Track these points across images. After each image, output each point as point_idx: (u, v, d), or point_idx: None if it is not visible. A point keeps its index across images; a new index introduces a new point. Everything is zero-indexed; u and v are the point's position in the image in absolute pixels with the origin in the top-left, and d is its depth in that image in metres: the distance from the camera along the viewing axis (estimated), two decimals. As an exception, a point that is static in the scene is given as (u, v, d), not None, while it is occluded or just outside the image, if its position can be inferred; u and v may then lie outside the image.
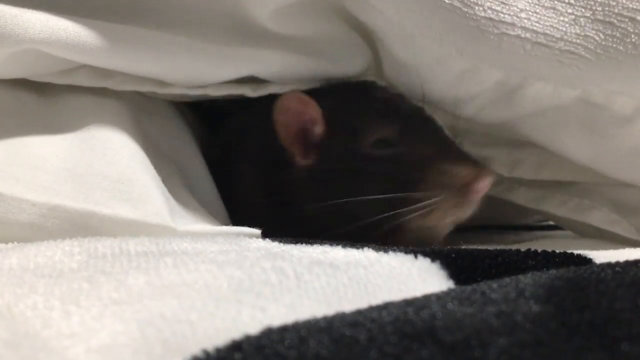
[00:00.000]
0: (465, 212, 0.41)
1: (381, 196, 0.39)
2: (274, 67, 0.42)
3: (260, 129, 0.45)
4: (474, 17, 0.36)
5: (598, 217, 0.47)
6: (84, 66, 0.38)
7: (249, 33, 0.41)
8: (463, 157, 0.41)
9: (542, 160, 0.48)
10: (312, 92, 0.43)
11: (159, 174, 0.35)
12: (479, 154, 0.49)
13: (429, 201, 0.39)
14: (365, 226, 0.39)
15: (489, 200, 0.43)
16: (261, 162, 0.44)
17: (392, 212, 0.39)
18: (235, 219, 0.38)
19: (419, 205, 0.39)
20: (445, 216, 0.40)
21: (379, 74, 0.48)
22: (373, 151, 0.41)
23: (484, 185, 0.39)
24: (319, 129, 0.43)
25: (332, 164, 0.42)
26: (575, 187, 0.49)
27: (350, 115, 0.43)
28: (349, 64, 0.45)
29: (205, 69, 0.40)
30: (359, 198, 0.39)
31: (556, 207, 0.49)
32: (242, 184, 0.45)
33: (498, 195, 0.50)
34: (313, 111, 0.42)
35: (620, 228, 0.46)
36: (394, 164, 0.41)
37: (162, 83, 0.40)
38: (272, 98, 0.43)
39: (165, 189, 0.35)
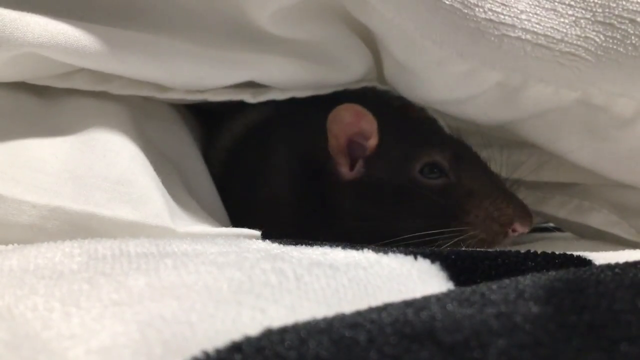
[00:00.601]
0: (500, 245, 0.41)
1: (424, 224, 0.40)
2: (275, 72, 0.42)
3: (298, 135, 0.45)
4: (474, 19, 0.36)
5: (598, 219, 0.47)
6: (82, 70, 0.38)
7: (249, 37, 0.41)
8: (507, 195, 0.42)
9: (542, 162, 0.48)
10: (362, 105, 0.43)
11: (158, 176, 0.35)
12: (479, 154, 0.49)
13: (468, 234, 0.40)
14: (399, 243, 0.39)
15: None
16: (296, 168, 0.44)
17: (430, 238, 0.40)
18: (254, 221, 0.38)
19: (459, 237, 0.40)
20: (480, 247, 0.40)
21: (380, 78, 0.48)
22: (422, 177, 0.42)
23: (524, 228, 0.41)
24: (372, 142, 0.43)
25: (379, 181, 0.42)
26: (575, 188, 0.49)
27: (404, 135, 0.44)
28: (350, 68, 0.45)
29: (205, 74, 0.40)
30: (401, 222, 0.40)
31: (556, 208, 0.49)
32: (269, 188, 0.45)
33: None
34: (368, 124, 0.42)
35: (621, 230, 0.46)
36: (441, 193, 0.42)
37: (161, 87, 0.40)
38: (308, 105, 0.43)
39: (165, 191, 0.35)
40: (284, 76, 0.43)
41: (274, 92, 0.44)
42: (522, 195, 0.50)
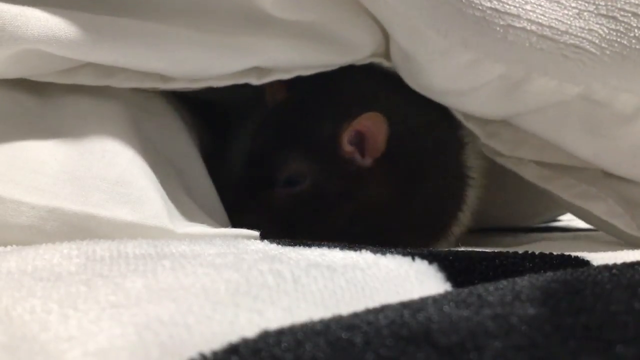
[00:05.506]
0: None
1: None
2: (280, 57, 0.41)
3: None
4: (480, 8, 0.36)
5: (601, 208, 0.45)
6: (85, 65, 0.37)
7: (253, 22, 0.40)
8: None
9: (545, 143, 0.47)
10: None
11: (157, 176, 0.35)
12: (483, 129, 0.47)
13: None
14: None
15: (488, 202, 0.42)
16: None
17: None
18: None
19: None
20: None
21: (386, 54, 0.47)
22: None
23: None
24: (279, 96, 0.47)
25: None
26: (584, 173, 0.47)
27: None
28: (358, 47, 0.44)
29: (210, 62, 0.39)
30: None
31: (561, 189, 0.47)
32: None
33: (507, 165, 0.48)
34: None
35: (622, 222, 0.45)
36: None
37: (164, 78, 0.40)
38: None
39: (163, 191, 0.35)
40: (290, 60, 0.42)
41: (279, 73, 0.43)
42: (532, 169, 0.47)
